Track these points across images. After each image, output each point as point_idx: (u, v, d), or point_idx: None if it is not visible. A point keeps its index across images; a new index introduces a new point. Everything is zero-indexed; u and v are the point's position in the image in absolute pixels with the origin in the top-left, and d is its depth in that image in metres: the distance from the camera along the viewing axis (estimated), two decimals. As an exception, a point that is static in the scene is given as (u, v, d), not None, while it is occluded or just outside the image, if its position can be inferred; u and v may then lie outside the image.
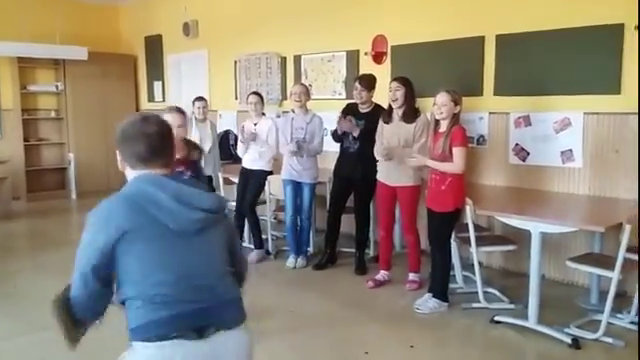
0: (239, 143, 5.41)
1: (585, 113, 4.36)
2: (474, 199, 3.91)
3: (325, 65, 6.30)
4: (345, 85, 6.04)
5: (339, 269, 5.03)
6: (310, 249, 5.33)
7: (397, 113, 4.37)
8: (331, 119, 5.08)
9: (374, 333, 3.72)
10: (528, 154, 4.73)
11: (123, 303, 1.67)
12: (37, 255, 5.75)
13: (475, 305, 3.98)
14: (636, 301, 3.63)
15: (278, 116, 6.09)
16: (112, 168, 4.81)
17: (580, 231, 3.63)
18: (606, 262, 3.52)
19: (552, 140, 4.56)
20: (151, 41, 8.92)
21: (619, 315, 3.70)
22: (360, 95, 4.71)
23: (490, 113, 4.93)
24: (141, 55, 9.21)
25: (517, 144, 4.78)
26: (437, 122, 3.94)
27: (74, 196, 8.69)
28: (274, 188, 5.27)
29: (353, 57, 5.97)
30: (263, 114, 5.40)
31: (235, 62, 7.43)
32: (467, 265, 4.44)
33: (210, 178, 5.44)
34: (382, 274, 4.61)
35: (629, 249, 3.34)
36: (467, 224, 3.86)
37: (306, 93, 5.03)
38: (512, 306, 3.98)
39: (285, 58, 6.75)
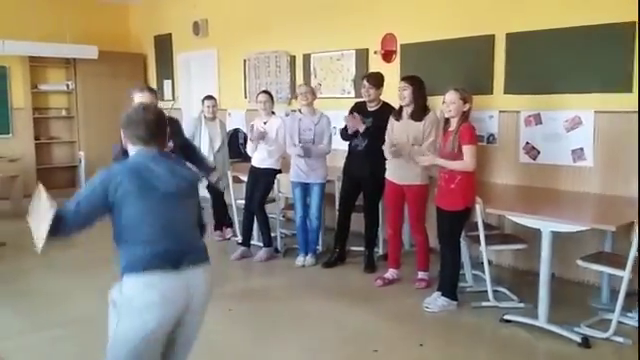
0: (248, 142, 5.43)
1: (596, 112, 4.34)
2: (484, 198, 3.90)
3: (334, 64, 6.30)
4: (354, 84, 6.04)
5: (348, 267, 5.03)
6: (319, 247, 5.34)
7: (406, 111, 4.38)
8: (340, 118, 5.08)
9: (383, 331, 3.72)
10: (539, 153, 4.71)
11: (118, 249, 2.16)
12: (49, 253, 5.76)
13: (485, 304, 3.98)
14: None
15: (287, 115, 6.10)
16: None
17: (591, 230, 3.60)
18: (617, 261, 3.51)
19: (563, 139, 4.54)
20: (161, 40, 8.95)
21: (629, 314, 3.68)
22: (368, 93, 4.72)
23: (500, 111, 4.92)
24: (151, 54, 9.24)
25: (528, 142, 4.77)
26: (447, 120, 3.94)
27: (85, 194, 8.73)
28: (283, 186, 5.29)
29: (362, 56, 5.97)
30: (273, 113, 5.41)
31: (244, 61, 7.44)
32: (477, 264, 4.43)
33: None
34: (391, 272, 4.61)
35: (640, 248, 3.31)
36: (477, 223, 3.86)
37: (312, 92, 5.05)
38: (522, 305, 3.97)
39: (294, 57, 6.76)
